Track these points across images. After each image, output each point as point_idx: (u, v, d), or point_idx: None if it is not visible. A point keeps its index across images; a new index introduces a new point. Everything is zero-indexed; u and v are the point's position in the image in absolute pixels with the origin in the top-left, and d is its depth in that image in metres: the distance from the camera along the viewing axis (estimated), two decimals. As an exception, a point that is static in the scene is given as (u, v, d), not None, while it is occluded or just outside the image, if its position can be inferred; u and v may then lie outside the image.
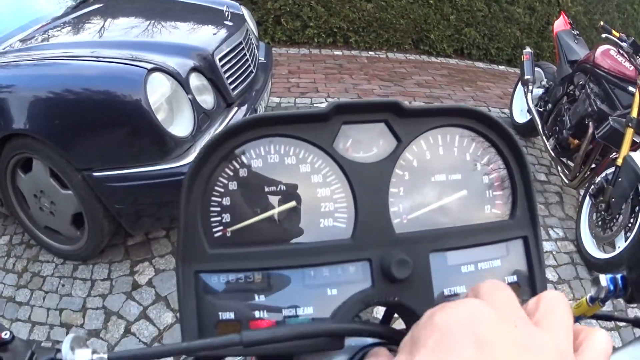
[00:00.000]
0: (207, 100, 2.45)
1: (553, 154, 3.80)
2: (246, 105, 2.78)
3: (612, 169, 3.00)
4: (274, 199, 0.49)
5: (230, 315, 0.46)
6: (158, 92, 2.10)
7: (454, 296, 0.49)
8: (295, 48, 5.89)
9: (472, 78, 6.05)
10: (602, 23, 3.95)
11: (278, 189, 0.49)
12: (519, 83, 4.71)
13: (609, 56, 3.69)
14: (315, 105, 4.35)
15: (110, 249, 2.57)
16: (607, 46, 3.77)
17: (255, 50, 3.26)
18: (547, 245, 3.24)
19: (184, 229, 0.47)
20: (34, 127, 2.14)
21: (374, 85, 5.16)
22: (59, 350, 0.40)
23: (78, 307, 2.32)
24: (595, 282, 0.52)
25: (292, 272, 0.48)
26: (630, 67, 3.49)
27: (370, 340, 0.49)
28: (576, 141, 3.56)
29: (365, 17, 6.06)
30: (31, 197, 2.42)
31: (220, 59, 2.62)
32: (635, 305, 2.96)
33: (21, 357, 0.41)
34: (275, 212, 0.48)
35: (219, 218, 0.48)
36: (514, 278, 0.51)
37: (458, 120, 0.53)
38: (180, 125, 2.21)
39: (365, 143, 0.51)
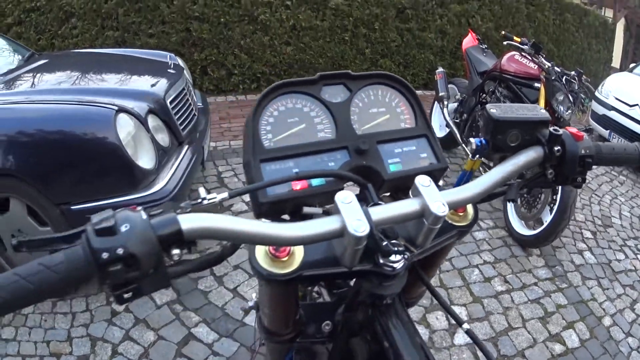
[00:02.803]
0: (164, 138, 2.85)
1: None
2: (195, 144, 3.20)
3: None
4: (293, 125, 0.93)
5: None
6: (124, 130, 2.46)
7: (395, 162, 0.94)
8: (223, 96, 6.33)
9: (391, 105, 6.66)
10: (503, 32, 4.56)
11: (294, 119, 0.93)
12: (435, 101, 5.23)
13: (514, 60, 4.26)
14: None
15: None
16: (512, 52, 4.36)
17: (194, 96, 3.70)
18: (479, 235, 3.79)
19: (253, 138, 0.88)
20: (15, 165, 2.37)
21: (302, 121, 5.69)
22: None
23: (64, 338, 2.55)
24: (469, 142, 0.94)
25: (310, 158, 0.90)
26: (534, 66, 4.08)
27: None
28: (492, 141, 4.17)
29: (286, 60, 6.57)
30: (8, 237, 2.60)
31: (170, 102, 3.03)
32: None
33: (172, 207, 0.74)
34: (292, 131, 0.92)
35: (268, 135, 0.90)
36: (425, 155, 0.97)
37: (381, 80, 1.01)
38: (144, 160, 2.57)
39: (338, 94, 0.97)
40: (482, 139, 0.92)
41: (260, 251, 0.77)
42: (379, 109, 0.98)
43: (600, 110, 6.58)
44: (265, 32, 6.39)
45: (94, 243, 0.58)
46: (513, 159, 0.90)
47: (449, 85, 4.99)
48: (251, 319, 2.74)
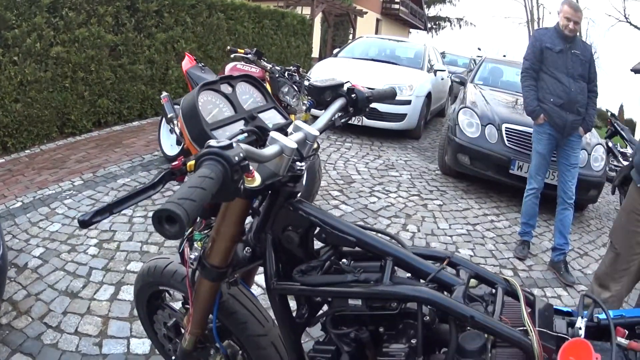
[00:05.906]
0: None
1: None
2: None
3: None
4: (212, 110, 1.32)
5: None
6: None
7: (269, 122, 1.39)
8: (-35, 170, 5.94)
9: (116, 141, 7.12)
10: (228, 47, 5.28)
11: (210, 106, 1.32)
12: (162, 123, 5.83)
13: (237, 69, 5.03)
14: (10, 207, 4.82)
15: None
16: (233, 63, 5.18)
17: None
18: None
19: (201, 119, 1.23)
20: None
21: (45, 175, 5.71)
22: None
23: None
24: (304, 104, 1.98)
25: (229, 127, 1.29)
26: (257, 70, 4.88)
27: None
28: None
29: (17, 118, 6.52)
30: None
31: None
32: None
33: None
34: (212, 113, 1.31)
35: (204, 116, 1.25)
36: (279, 117, 1.49)
37: (245, 79, 1.51)
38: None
39: (227, 89, 1.42)
40: (310, 100, 1.68)
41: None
42: (246, 95, 1.48)
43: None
44: (-4, 94, 6.24)
45: (227, 154, 0.91)
46: (331, 106, 1.51)
47: (176, 106, 5.30)
48: (109, 348, 2.85)
